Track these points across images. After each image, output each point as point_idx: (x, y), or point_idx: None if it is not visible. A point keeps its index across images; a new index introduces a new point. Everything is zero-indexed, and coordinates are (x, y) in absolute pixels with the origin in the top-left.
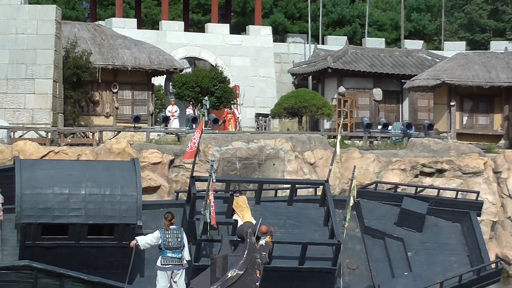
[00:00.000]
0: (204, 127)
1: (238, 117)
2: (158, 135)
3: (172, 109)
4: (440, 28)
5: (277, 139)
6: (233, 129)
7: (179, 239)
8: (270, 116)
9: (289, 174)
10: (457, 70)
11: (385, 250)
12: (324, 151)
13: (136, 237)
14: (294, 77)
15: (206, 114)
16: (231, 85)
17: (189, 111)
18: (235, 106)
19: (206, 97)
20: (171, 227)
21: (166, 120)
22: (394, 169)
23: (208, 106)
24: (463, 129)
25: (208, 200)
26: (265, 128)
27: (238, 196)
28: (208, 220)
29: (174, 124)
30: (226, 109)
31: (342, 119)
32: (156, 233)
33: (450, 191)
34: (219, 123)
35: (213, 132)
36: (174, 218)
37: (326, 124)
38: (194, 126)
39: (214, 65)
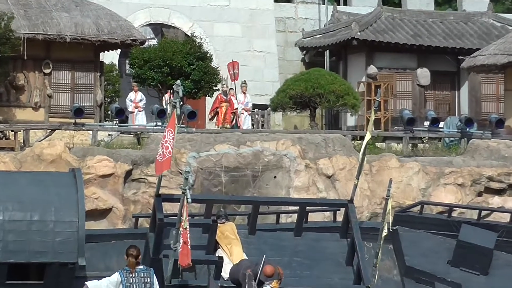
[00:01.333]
0: (177, 123)
1: (237, 109)
2: (109, 135)
3: (135, 98)
4: None
5: (279, 141)
6: (228, 126)
7: (148, 285)
8: (269, 108)
9: (296, 191)
10: None
11: None
12: (347, 158)
13: (86, 283)
14: (304, 52)
15: (178, 105)
16: (215, 64)
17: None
18: (232, 91)
19: (178, 81)
20: (137, 267)
21: (121, 113)
22: (448, 184)
23: (181, 94)
24: None
25: (180, 229)
26: (262, 125)
27: (224, 223)
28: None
29: (139, 119)
30: (220, 95)
31: (372, 112)
32: (115, 277)
33: None
34: (195, 118)
35: (188, 131)
36: (141, 255)
37: (350, 120)
38: (161, 123)
39: (190, 35)
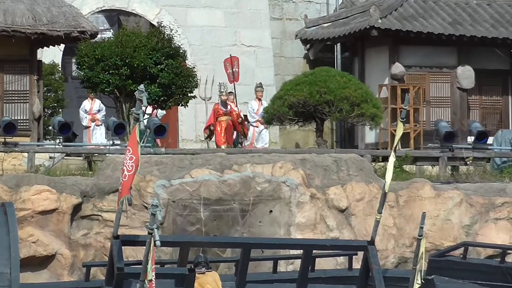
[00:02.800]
0: (139, 141)
1: (243, 117)
2: (51, 157)
3: (91, 107)
4: None
5: (276, 163)
6: (229, 146)
7: None
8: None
9: (300, 229)
10: None
11: None
12: (365, 186)
13: None
14: (308, 46)
15: (142, 118)
16: (190, 62)
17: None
18: (232, 97)
19: (142, 86)
20: None
21: (66, 129)
22: (500, 219)
23: (145, 103)
24: None
25: (146, 281)
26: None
27: (204, 273)
28: None
29: (98, 136)
30: (217, 106)
31: (399, 124)
32: None
33: None
34: (165, 135)
35: (155, 152)
36: None
37: (369, 135)
38: (120, 142)
39: (156, 24)
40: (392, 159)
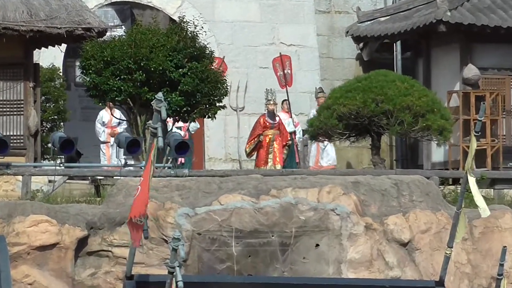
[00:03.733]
0: (157, 162)
1: (293, 133)
2: (50, 181)
3: (110, 119)
4: None
5: (323, 187)
6: (279, 167)
7: None
8: (306, 136)
9: (352, 267)
10: None
11: None
12: (432, 215)
13: None
14: (362, 45)
15: (160, 133)
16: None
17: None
18: (286, 107)
19: (160, 94)
20: None
21: (69, 147)
22: None
23: (164, 115)
24: None
25: None
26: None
27: None
28: None
29: (117, 154)
30: (263, 118)
31: (473, 140)
32: None
33: None
34: (188, 153)
35: (176, 174)
36: None
37: (437, 153)
38: (132, 161)
39: (177, 20)
40: (472, 179)
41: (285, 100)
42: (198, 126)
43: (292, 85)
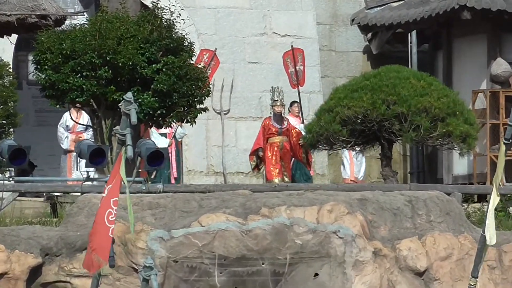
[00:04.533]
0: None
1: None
2: None
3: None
4: None
5: (324, 205)
6: (287, 179)
7: None
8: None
9: None
10: None
11: None
12: (453, 238)
13: None
14: (370, 35)
15: (129, 141)
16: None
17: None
18: (296, 108)
19: (129, 94)
20: None
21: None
22: None
23: (134, 119)
24: None
25: None
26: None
27: None
28: None
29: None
30: (267, 120)
31: (502, 149)
32: None
33: None
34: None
35: (149, 190)
36: None
37: (460, 164)
38: (96, 174)
39: (150, 5)
40: (494, 199)
41: (296, 102)
42: (186, 133)
43: (287, 83)
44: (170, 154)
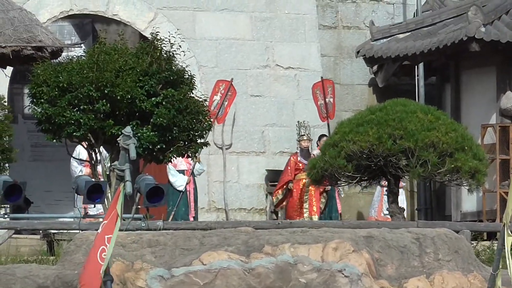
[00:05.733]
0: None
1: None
2: None
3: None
4: None
5: (329, 243)
6: (316, 217)
7: None
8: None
9: None
10: None
11: None
12: (463, 277)
13: None
14: (376, 68)
15: (128, 177)
16: (199, 92)
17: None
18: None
19: (128, 128)
20: None
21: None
22: None
23: (133, 154)
24: None
25: None
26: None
27: None
28: None
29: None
30: (294, 157)
31: None
32: None
33: None
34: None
35: (148, 227)
36: None
37: (469, 201)
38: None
39: (150, 37)
40: (508, 237)
41: (324, 135)
42: (204, 169)
43: (291, 117)
44: (188, 192)
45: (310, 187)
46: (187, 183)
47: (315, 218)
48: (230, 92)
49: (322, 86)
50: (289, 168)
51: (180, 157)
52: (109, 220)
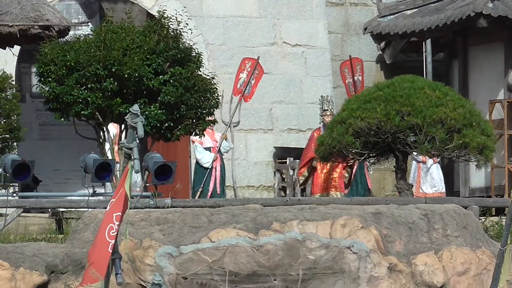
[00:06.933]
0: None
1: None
2: (1, 214)
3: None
4: None
5: (337, 219)
6: (340, 193)
7: None
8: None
9: None
10: None
11: None
12: (471, 253)
13: None
14: (383, 44)
15: (136, 154)
16: (207, 71)
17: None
18: None
19: (136, 106)
20: None
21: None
22: None
23: (140, 132)
24: None
25: None
26: (303, 190)
27: None
28: None
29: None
30: (316, 131)
31: None
32: None
33: None
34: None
35: (156, 205)
36: None
37: (477, 176)
38: (102, 189)
39: (157, 15)
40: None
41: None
42: (232, 146)
43: (299, 94)
44: (214, 169)
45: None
46: (213, 160)
47: (339, 195)
48: (257, 70)
49: (351, 64)
50: (312, 144)
51: (207, 135)
52: (117, 198)
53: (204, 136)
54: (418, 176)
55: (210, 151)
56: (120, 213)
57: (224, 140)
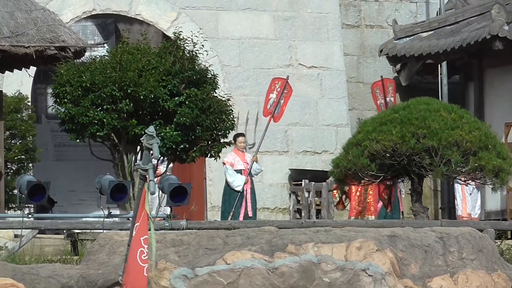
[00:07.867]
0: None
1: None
2: (16, 235)
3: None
4: None
5: (353, 242)
6: (372, 217)
7: None
8: (330, 179)
9: None
10: None
11: None
12: (487, 276)
13: None
14: (399, 66)
15: (152, 176)
16: (222, 92)
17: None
18: None
19: (151, 128)
20: None
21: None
22: None
23: (156, 153)
24: None
25: None
26: (318, 212)
27: None
28: None
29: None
30: None
31: None
32: None
33: None
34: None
35: (171, 226)
36: None
37: (493, 199)
38: (118, 210)
39: (173, 36)
40: None
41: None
42: (263, 169)
43: (314, 116)
44: (245, 192)
45: (368, 186)
46: (245, 183)
47: (372, 218)
48: (286, 90)
49: (382, 85)
50: None
51: (238, 157)
52: (141, 222)
53: (231, 157)
54: (463, 198)
55: (241, 174)
56: (147, 236)
57: (254, 162)
